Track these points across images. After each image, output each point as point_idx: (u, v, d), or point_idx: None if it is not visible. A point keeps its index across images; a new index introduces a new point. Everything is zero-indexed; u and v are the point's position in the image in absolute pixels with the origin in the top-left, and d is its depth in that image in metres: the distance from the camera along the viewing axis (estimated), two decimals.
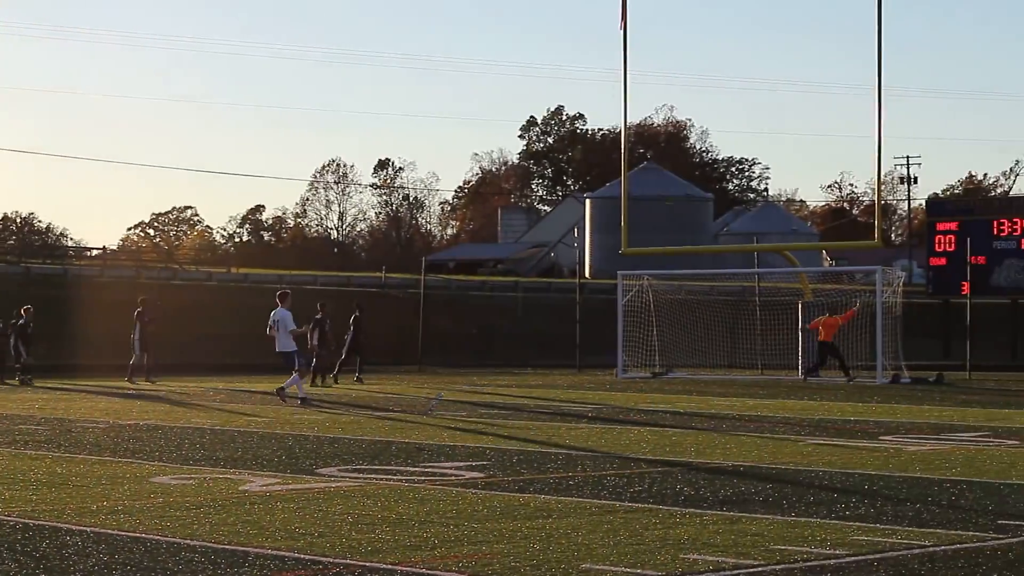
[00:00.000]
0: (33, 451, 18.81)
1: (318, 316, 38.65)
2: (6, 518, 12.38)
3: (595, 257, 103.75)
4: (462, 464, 16.99)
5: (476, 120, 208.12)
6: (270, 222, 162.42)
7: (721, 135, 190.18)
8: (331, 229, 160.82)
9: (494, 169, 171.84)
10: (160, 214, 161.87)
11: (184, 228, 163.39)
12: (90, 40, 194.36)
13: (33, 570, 9.80)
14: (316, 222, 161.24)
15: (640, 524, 12.00)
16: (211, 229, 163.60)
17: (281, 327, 29.68)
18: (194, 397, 32.09)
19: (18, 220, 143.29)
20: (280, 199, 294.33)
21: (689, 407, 29.31)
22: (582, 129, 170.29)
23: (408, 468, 16.55)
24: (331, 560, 10.24)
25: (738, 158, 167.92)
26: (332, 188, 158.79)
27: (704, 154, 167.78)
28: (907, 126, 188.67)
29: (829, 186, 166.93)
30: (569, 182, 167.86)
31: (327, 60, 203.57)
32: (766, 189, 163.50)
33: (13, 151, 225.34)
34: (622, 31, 45.04)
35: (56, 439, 20.72)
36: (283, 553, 10.51)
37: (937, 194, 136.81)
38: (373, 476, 15.70)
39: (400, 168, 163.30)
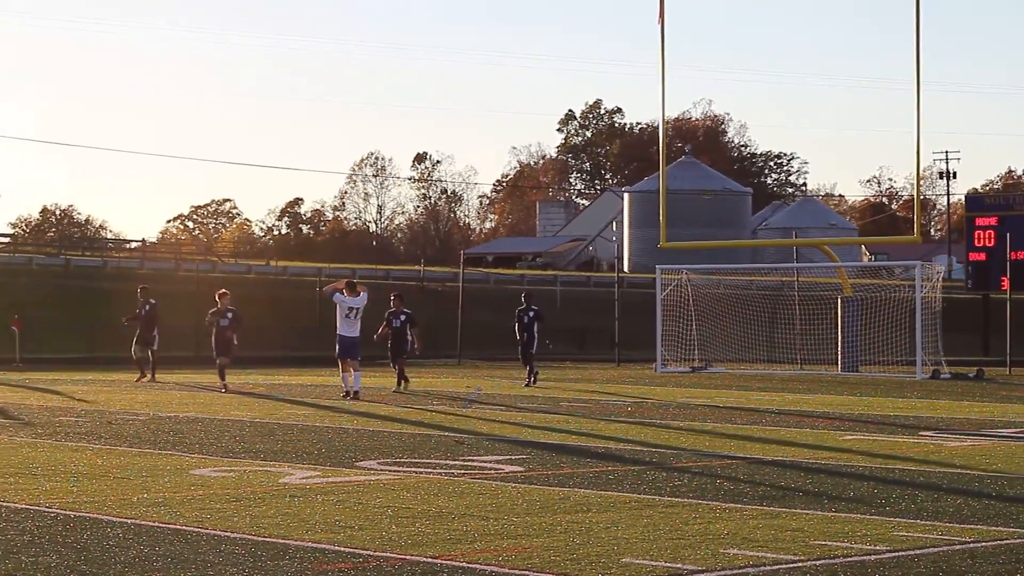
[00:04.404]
0: (74, 443, 18.89)
1: (391, 311, 34.09)
2: (47, 510, 12.44)
3: (633, 251, 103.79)
4: (501, 458, 16.99)
5: (514, 114, 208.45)
6: (308, 215, 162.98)
7: (759, 129, 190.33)
8: (369, 222, 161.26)
9: (532, 163, 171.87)
10: (199, 207, 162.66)
11: (223, 221, 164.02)
12: (131, 33, 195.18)
13: (74, 562, 9.84)
14: (354, 215, 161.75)
15: (680, 519, 11.97)
16: (250, 222, 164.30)
17: (360, 314, 30.38)
18: (233, 390, 32.15)
19: (57, 212, 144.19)
20: (319, 192, 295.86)
21: (728, 402, 29.23)
22: (620, 123, 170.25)
23: (447, 461, 16.56)
24: (371, 553, 10.25)
25: (776, 152, 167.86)
26: (370, 181, 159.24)
27: (742, 148, 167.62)
28: (946, 121, 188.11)
29: (868, 181, 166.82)
30: (607, 176, 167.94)
31: (366, 53, 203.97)
32: (804, 183, 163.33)
33: (52, 143, 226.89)
34: (660, 25, 44.97)
35: (96, 431, 20.81)
36: (323, 546, 10.52)
37: (976, 189, 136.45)
38: (412, 469, 15.71)
39: (438, 161, 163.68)
